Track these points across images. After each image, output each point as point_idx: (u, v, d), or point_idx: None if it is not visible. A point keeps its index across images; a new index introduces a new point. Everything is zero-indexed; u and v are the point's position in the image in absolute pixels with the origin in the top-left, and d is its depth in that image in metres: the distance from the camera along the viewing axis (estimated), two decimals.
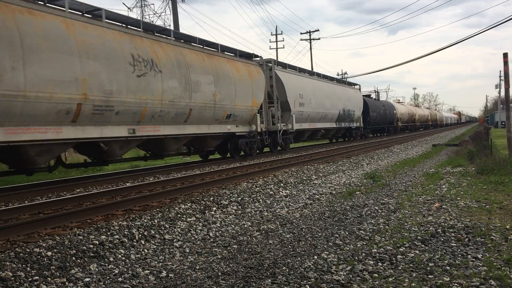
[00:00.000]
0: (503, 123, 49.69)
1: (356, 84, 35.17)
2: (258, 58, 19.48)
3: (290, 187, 10.39)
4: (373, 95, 45.31)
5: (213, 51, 16.12)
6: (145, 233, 6.01)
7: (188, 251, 5.50)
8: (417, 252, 4.87)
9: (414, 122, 57.40)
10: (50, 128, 9.46)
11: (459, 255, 4.71)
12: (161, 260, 5.13)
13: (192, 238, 6.09)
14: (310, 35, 49.36)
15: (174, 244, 5.77)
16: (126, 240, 5.67)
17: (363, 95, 38.14)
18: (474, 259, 4.55)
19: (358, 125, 33.05)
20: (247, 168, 13.66)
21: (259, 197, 8.88)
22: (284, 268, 4.58)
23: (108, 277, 4.55)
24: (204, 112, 14.71)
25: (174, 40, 13.98)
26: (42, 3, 9.81)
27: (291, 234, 6.03)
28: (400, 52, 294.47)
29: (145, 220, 6.52)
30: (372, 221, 6.48)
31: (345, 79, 34.88)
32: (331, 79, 29.67)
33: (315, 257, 4.90)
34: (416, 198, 8.05)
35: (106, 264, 4.93)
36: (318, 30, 55.37)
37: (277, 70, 20.61)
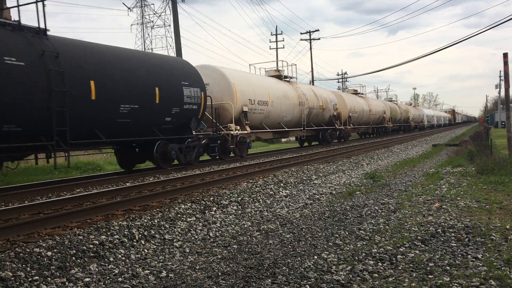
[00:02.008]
0: (503, 123, 49.69)
1: None
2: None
3: (290, 187, 10.39)
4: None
5: None
6: (145, 233, 6.01)
7: (188, 251, 5.50)
8: (417, 252, 4.87)
9: (334, 123, 27.13)
10: None
11: (459, 255, 4.71)
12: (161, 260, 5.14)
13: (192, 238, 6.09)
14: (310, 35, 49.35)
15: (174, 244, 5.77)
16: (126, 240, 5.67)
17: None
18: (474, 259, 4.55)
19: None
20: (247, 168, 13.66)
21: (259, 197, 8.88)
22: (284, 268, 4.58)
23: (108, 277, 4.55)
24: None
25: None
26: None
27: (291, 234, 6.03)
28: (400, 52, 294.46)
29: (145, 220, 6.51)
30: (372, 221, 6.48)
31: None
32: None
33: (315, 257, 4.90)
34: (416, 198, 8.05)
35: (106, 264, 4.93)
36: (318, 30, 55.13)
37: None
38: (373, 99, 43.46)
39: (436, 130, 60.44)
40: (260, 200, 8.72)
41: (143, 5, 53.72)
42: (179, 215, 7.02)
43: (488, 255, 4.64)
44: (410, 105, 60.90)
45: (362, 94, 38.87)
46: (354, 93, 37.03)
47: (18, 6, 9.94)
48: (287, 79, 23.55)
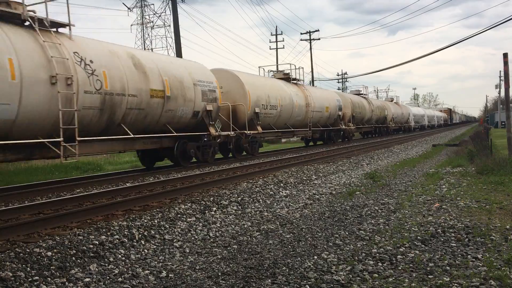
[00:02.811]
0: (503, 123, 49.64)
1: None
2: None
3: (290, 187, 10.39)
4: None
5: None
6: (145, 233, 6.01)
7: (188, 251, 5.50)
8: (417, 252, 4.88)
9: (207, 127, 14.15)
10: None
11: (459, 255, 4.71)
12: (161, 260, 5.13)
13: (192, 238, 6.09)
14: (310, 35, 49.33)
15: (174, 244, 5.77)
16: (126, 240, 5.67)
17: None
18: (474, 259, 4.56)
19: None
20: (247, 168, 13.66)
21: (259, 197, 8.88)
22: (284, 268, 4.58)
23: (108, 277, 4.55)
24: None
25: None
26: None
27: (291, 234, 6.03)
28: (400, 52, 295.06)
29: (145, 220, 6.51)
30: (372, 221, 6.48)
31: None
32: None
33: (315, 257, 4.90)
34: (416, 198, 8.05)
35: (106, 264, 4.93)
36: (318, 30, 55.07)
37: None
38: (320, 89, 30.57)
39: (435, 131, 56.75)
40: (260, 200, 8.72)
41: (143, 5, 53.74)
42: (179, 215, 7.02)
43: (488, 255, 4.64)
44: (391, 101, 49.62)
45: (298, 80, 24.30)
46: (283, 77, 23.21)
47: None
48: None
